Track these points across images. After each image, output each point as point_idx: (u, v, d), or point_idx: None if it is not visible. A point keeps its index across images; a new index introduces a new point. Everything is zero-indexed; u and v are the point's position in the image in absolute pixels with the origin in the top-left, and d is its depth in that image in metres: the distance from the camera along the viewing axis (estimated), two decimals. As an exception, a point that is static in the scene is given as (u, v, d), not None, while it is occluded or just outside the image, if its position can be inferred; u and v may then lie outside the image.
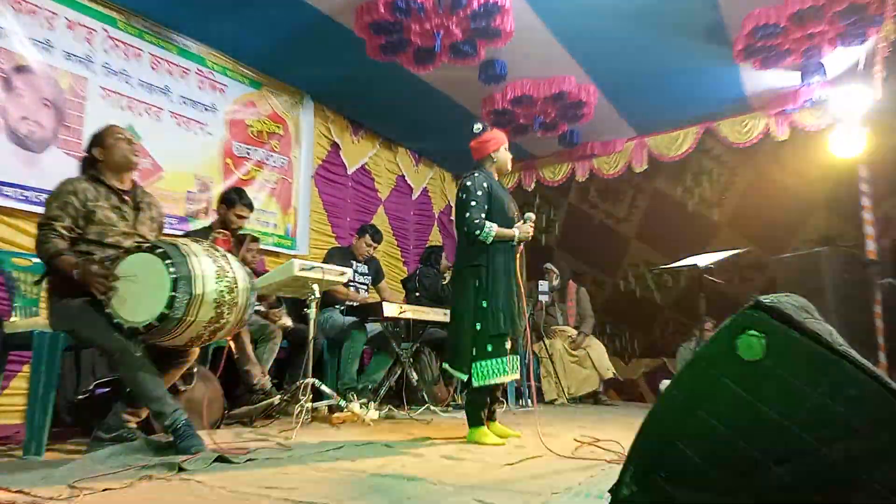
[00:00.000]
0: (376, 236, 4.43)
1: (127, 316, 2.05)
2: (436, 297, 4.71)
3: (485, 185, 2.73)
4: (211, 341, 2.24)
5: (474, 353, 2.60)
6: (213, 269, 2.11)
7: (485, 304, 2.62)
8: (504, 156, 2.87)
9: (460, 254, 2.80)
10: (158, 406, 2.11)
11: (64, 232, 2.21)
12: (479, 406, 2.66)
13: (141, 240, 2.31)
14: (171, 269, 2.01)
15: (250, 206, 3.53)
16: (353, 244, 4.46)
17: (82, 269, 2.11)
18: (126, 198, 2.41)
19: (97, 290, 2.09)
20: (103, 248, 2.27)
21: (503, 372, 2.62)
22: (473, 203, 2.67)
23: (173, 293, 1.99)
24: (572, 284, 5.59)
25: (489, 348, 2.60)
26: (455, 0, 3.44)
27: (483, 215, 2.68)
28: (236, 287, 2.17)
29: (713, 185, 5.86)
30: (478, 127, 2.87)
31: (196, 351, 2.44)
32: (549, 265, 5.58)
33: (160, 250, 2.06)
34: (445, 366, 2.73)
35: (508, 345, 2.69)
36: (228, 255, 2.27)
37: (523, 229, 2.77)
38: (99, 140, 2.41)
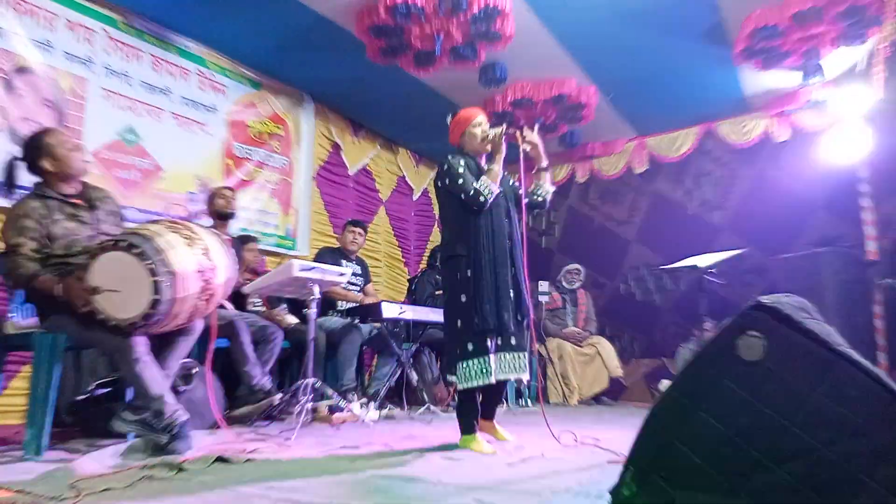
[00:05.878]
0: (356, 222, 4.39)
1: (121, 315, 2.05)
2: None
3: (462, 161, 2.55)
4: (210, 309, 2.28)
5: (458, 353, 2.39)
6: (180, 240, 2.11)
7: (464, 299, 2.41)
8: (471, 136, 2.62)
9: (443, 245, 2.66)
10: (158, 405, 2.11)
11: (31, 254, 2.18)
12: (468, 412, 2.45)
13: (105, 238, 2.23)
14: (144, 258, 1.99)
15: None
16: (339, 242, 4.42)
17: (65, 284, 2.10)
18: (78, 201, 2.36)
19: (77, 305, 2.06)
20: (74, 258, 2.24)
21: (488, 372, 2.36)
22: (460, 176, 2.48)
23: (155, 278, 1.99)
24: (583, 290, 5.59)
25: (470, 347, 2.38)
26: (455, 3, 3.44)
27: (474, 180, 2.49)
28: (209, 249, 2.18)
29: (713, 185, 5.86)
30: (448, 119, 2.75)
31: (200, 324, 2.43)
32: (575, 266, 5.50)
33: (124, 243, 2.03)
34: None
35: (499, 341, 2.42)
36: (190, 224, 2.26)
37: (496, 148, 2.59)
38: (46, 150, 2.28)
